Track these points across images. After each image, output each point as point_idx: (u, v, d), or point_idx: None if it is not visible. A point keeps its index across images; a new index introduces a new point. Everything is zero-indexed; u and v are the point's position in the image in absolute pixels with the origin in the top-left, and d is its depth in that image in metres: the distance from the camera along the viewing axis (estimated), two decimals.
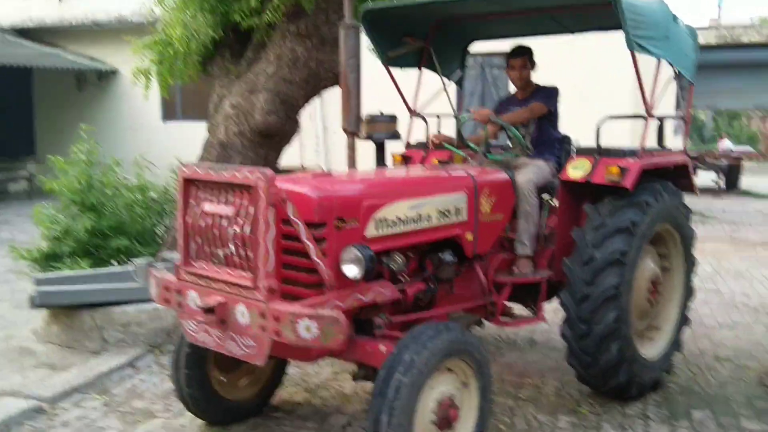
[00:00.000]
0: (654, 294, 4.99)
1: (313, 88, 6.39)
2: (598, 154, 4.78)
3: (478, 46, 6.35)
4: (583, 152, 4.92)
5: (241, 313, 3.41)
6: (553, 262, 5.12)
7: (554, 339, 6.22)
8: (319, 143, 15.43)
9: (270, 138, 6.16)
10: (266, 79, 6.16)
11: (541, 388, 5.14)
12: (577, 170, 4.80)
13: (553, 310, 6.34)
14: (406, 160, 5.66)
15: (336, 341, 3.18)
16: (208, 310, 3.45)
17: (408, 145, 5.82)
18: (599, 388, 4.84)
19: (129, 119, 17.00)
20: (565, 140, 5.46)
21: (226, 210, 3.45)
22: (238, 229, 3.41)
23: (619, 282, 4.50)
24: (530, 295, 5.19)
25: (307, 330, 3.19)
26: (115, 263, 6.46)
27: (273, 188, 3.27)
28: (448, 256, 4.23)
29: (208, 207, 3.53)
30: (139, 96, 7.09)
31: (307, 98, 6.47)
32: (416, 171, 4.83)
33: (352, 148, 4.45)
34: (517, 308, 5.28)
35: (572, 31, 5.99)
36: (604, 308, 4.51)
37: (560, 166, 5.36)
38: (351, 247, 3.55)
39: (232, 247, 3.47)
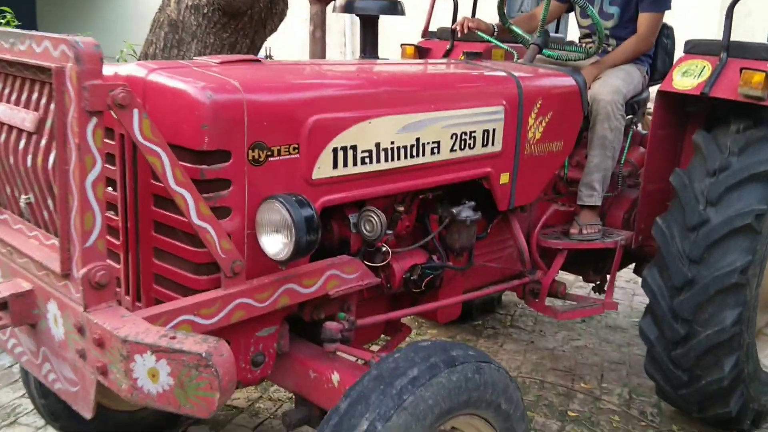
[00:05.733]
0: None
1: None
2: (727, 51, 2.95)
3: None
4: (698, 49, 3.09)
5: (54, 319, 1.79)
6: (632, 217, 3.40)
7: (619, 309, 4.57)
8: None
9: (236, 18, 4.40)
10: None
11: (600, 400, 3.49)
12: (687, 77, 3.00)
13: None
14: (421, 53, 3.86)
15: (207, 404, 1.54)
16: (2, 304, 1.84)
17: (426, 33, 4.01)
18: (693, 414, 3.17)
19: None
20: (664, 32, 3.58)
21: (24, 119, 1.77)
22: (39, 158, 1.75)
23: (748, 262, 2.77)
24: (591, 263, 3.50)
25: (150, 377, 1.56)
26: None
27: (95, 75, 1.57)
28: (466, 212, 2.52)
29: (2, 111, 1.86)
30: None
31: None
32: (419, 67, 3.05)
33: (318, 26, 2.66)
34: (569, 280, 3.61)
35: None
36: (719, 303, 2.79)
37: (654, 71, 3.55)
38: (272, 200, 1.87)
39: (36, 192, 1.82)
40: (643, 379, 3.69)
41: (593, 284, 3.60)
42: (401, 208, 2.41)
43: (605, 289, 3.54)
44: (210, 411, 1.52)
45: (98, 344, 1.62)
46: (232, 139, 1.87)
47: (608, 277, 3.42)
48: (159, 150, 1.69)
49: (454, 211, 2.50)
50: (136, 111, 1.64)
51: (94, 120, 1.58)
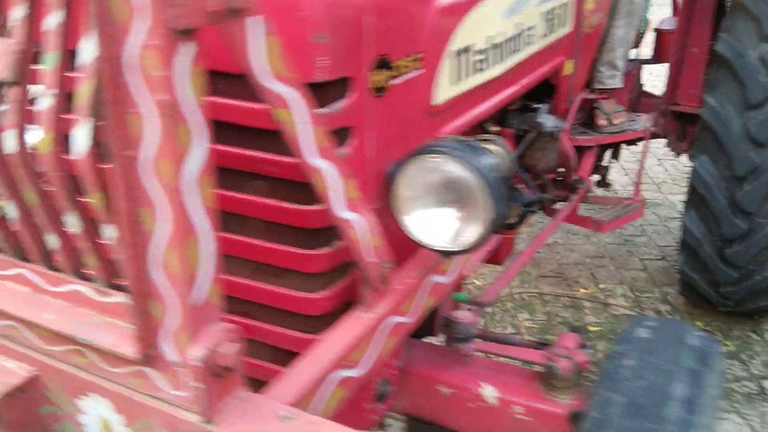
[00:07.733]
0: None
1: None
2: None
3: None
4: None
5: (103, 426, 0.96)
6: (636, 96, 2.94)
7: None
8: None
9: None
10: None
11: (609, 305, 3.12)
12: None
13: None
14: None
15: None
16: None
17: None
18: (721, 308, 2.89)
19: None
20: None
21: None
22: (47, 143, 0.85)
23: None
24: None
25: None
26: None
27: None
28: (551, 120, 1.88)
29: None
30: None
31: None
32: None
33: None
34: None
35: None
36: None
37: None
38: (429, 154, 1.11)
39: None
40: (632, 271, 3.42)
41: (599, 178, 3.14)
42: (496, 129, 1.71)
43: (607, 181, 3.12)
44: None
45: None
46: (351, 57, 1.06)
47: (610, 168, 2.97)
48: (289, 92, 0.87)
49: (539, 121, 1.85)
50: (259, 21, 0.79)
51: (191, 48, 0.73)
